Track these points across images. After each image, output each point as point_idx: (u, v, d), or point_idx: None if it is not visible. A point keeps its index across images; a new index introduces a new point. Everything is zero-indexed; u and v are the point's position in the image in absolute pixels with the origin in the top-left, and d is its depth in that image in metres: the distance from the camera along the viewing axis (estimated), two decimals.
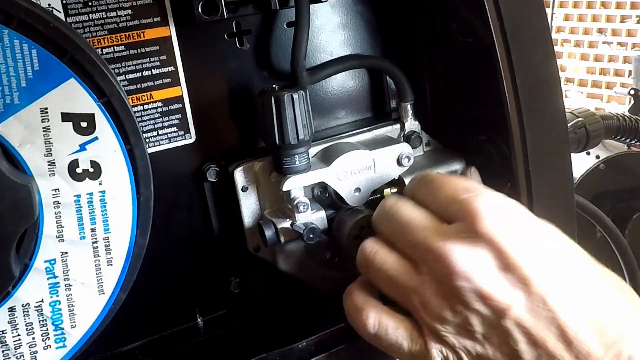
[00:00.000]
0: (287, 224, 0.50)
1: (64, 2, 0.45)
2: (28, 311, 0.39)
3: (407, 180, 0.54)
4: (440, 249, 0.38)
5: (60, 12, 0.45)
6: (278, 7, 0.50)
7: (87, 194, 0.39)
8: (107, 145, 0.39)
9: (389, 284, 0.42)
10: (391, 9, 0.58)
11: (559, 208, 0.53)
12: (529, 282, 0.37)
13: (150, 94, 0.49)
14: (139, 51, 0.48)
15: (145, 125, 0.49)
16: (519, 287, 0.37)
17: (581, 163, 1.43)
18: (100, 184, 0.39)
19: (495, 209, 0.39)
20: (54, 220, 0.39)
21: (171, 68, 0.49)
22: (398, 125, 0.57)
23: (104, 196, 0.40)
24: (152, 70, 0.49)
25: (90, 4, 0.46)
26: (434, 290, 0.39)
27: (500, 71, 0.48)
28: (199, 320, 0.54)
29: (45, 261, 0.39)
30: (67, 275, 0.40)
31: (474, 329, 0.38)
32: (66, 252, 0.39)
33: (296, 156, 0.49)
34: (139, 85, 0.49)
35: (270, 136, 0.48)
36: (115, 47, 0.47)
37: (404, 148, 0.53)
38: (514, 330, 0.37)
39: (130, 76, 0.48)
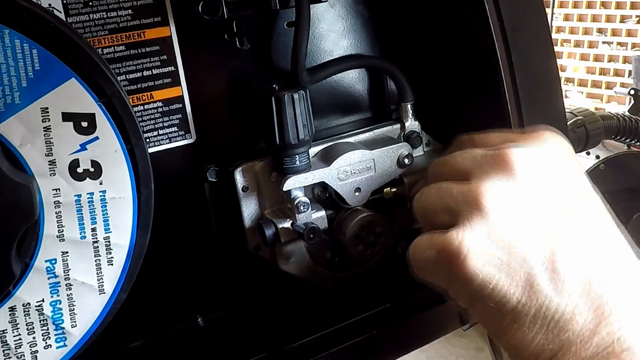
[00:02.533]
0: (287, 224, 0.50)
1: (65, 2, 0.45)
2: (29, 311, 0.39)
3: (407, 180, 0.54)
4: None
5: (60, 12, 0.45)
6: (278, 7, 0.50)
7: (87, 193, 0.39)
8: (107, 145, 0.39)
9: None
10: (391, 9, 0.58)
11: None
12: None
13: (151, 94, 0.49)
14: (140, 51, 0.48)
15: (146, 125, 0.50)
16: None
17: (581, 163, 1.43)
18: (100, 183, 0.39)
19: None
20: (54, 219, 0.39)
21: (171, 68, 0.50)
22: (398, 125, 0.57)
23: (104, 196, 0.40)
24: (153, 70, 0.49)
25: (90, 4, 0.46)
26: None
27: (500, 71, 0.48)
28: (199, 320, 0.54)
29: (46, 261, 0.39)
30: (68, 274, 0.40)
31: None
32: (67, 252, 0.39)
33: (296, 156, 0.49)
34: (139, 85, 0.49)
35: (270, 136, 0.48)
36: (115, 47, 0.48)
37: (404, 148, 0.53)
38: None
39: (131, 76, 0.48)
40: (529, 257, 0.35)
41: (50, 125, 0.37)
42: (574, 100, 3.99)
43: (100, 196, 0.40)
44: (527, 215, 0.36)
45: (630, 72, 3.55)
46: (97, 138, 0.39)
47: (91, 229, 0.40)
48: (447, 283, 0.39)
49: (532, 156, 0.38)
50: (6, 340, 0.39)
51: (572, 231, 0.36)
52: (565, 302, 0.34)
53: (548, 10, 3.87)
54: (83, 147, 0.38)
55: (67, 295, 0.40)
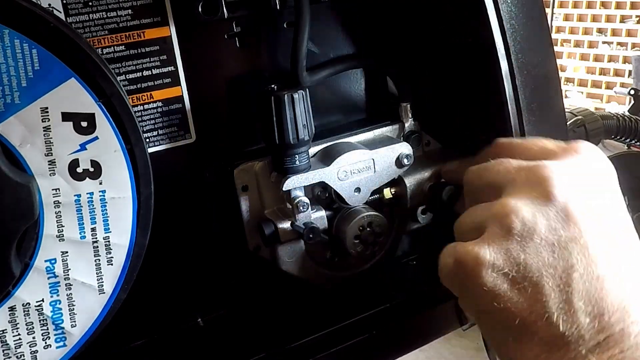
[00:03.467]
0: (287, 223, 0.50)
1: (65, 2, 0.45)
2: (28, 311, 0.39)
3: (407, 180, 0.54)
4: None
5: (60, 12, 0.45)
6: (278, 7, 0.50)
7: (87, 193, 0.39)
8: (107, 145, 0.39)
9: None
10: (391, 8, 0.58)
11: None
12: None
13: (151, 94, 0.49)
14: (139, 51, 0.48)
15: (146, 125, 0.50)
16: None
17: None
18: (100, 183, 0.39)
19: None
20: (54, 219, 0.39)
21: (171, 68, 0.50)
22: (398, 125, 0.57)
23: (104, 196, 0.40)
24: (152, 70, 0.49)
25: (90, 4, 0.46)
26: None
27: (500, 71, 0.48)
28: (199, 320, 0.54)
29: (46, 261, 0.39)
30: (68, 274, 0.40)
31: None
32: (66, 252, 0.39)
33: (296, 156, 0.49)
34: (139, 85, 0.49)
35: (270, 136, 0.48)
36: (115, 47, 0.47)
37: (404, 148, 0.53)
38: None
39: (131, 76, 0.48)
40: (543, 281, 0.35)
41: (50, 125, 0.37)
42: (574, 100, 3.99)
43: (100, 196, 0.39)
44: (549, 241, 0.36)
45: (630, 72, 3.55)
46: (96, 138, 0.39)
47: (91, 229, 0.40)
48: (460, 293, 0.39)
49: (566, 175, 0.38)
50: (6, 340, 0.39)
51: (594, 259, 0.36)
52: (573, 330, 0.34)
53: (548, 10, 3.87)
54: (83, 147, 0.38)
55: (67, 295, 0.40)
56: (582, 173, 0.39)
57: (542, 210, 0.37)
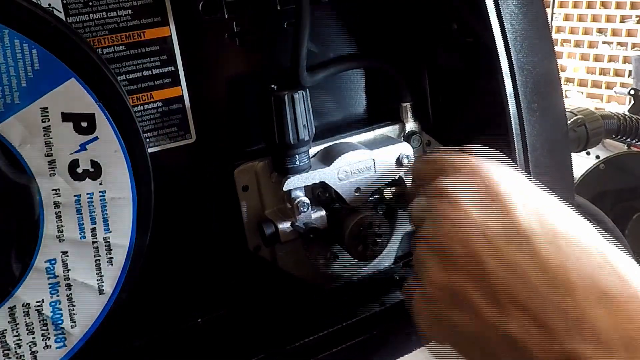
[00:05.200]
0: (287, 223, 0.50)
1: (65, 2, 0.45)
2: (28, 311, 0.39)
3: (407, 180, 0.54)
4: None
5: (60, 12, 0.45)
6: (279, 7, 0.50)
7: (87, 193, 0.39)
8: (107, 145, 0.39)
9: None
10: (391, 9, 0.58)
11: None
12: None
13: (151, 94, 0.49)
14: (139, 51, 0.48)
15: (146, 125, 0.49)
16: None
17: (581, 163, 1.43)
18: (100, 183, 0.39)
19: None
20: (54, 220, 0.39)
21: (171, 68, 0.50)
22: (398, 125, 0.57)
23: (104, 196, 0.40)
24: (152, 70, 0.49)
25: (90, 4, 0.46)
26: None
27: (500, 71, 0.48)
28: (199, 320, 0.54)
29: (46, 261, 0.39)
30: (68, 275, 0.40)
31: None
32: (66, 252, 0.39)
33: (296, 156, 0.49)
34: (139, 85, 0.49)
35: (270, 136, 0.48)
36: (115, 47, 0.47)
37: (404, 148, 0.53)
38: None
39: (131, 76, 0.48)
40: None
41: (50, 125, 0.37)
42: (574, 100, 3.99)
43: (100, 196, 0.39)
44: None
45: (630, 72, 3.55)
46: (96, 138, 0.39)
47: (91, 229, 0.40)
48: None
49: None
50: (6, 340, 0.39)
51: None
52: None
53: (548, 10, 3.86)
54: (83, 147, 0.38)
55: (67, 295, 0.40)
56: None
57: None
